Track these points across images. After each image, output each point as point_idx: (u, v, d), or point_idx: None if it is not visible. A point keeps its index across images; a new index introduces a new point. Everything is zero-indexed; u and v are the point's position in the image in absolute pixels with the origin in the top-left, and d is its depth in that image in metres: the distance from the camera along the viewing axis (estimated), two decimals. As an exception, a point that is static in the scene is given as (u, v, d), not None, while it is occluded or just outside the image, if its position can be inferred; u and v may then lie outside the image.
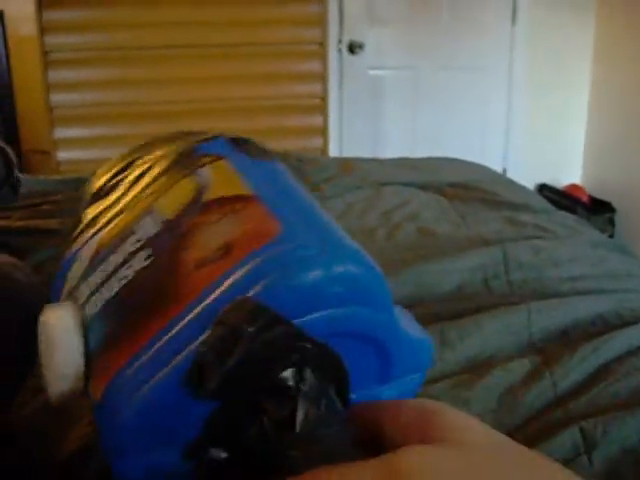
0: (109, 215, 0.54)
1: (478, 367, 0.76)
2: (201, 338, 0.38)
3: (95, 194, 0.58)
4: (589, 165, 3.77)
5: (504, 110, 3.64)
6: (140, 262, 0.48)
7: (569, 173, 3.80)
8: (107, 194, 0.57)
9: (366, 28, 3.36)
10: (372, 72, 3.42)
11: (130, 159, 0.59)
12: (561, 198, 3.47)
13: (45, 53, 2.85)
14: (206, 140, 0.56)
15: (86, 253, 0.51)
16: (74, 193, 1.47)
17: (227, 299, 0.39)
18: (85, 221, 0.56)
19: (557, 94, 3.66)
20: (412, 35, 3.43)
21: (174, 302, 0.43)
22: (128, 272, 0.48)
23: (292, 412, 0.37)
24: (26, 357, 0.59)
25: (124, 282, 0.47)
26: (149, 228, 0.50)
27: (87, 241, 0.53)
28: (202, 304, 0.40)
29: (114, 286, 0.47)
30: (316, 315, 0.39)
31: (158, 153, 0.58)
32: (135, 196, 0.54)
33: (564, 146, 3.77)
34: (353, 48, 3.33)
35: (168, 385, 0.39)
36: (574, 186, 3.72)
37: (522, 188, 1.61)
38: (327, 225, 0.44)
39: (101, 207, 0.56)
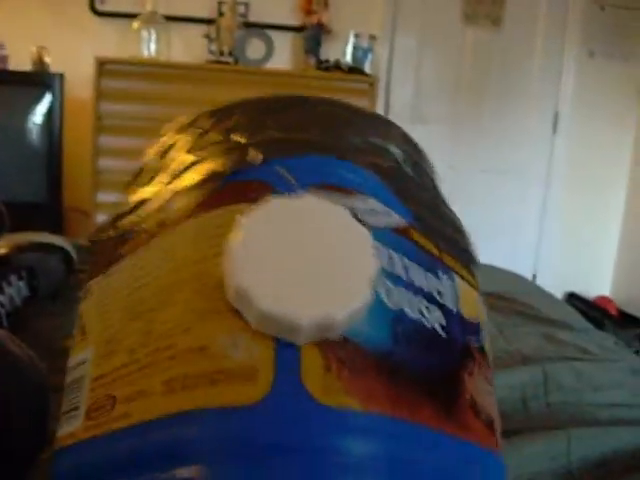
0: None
1: (515, 492, 0.74)
2: None
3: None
4: (620, 277, 3.75)
5: (538, 216, 3.66)
6: (437, 323, 0.44)
7: (599, 284, 3.78)
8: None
9: (409, 125, 3.42)
10: (412, 167, 3.47)
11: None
12: (589, 309, 3.44)
13: (98, 118, 2.95)
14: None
15: None
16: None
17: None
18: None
19: (592, 204, 3.69)
20: (453, 136, 3.51)
21: (449, 416, 0.39)
22: (426, 314, 0.43)
23: None
24: (34, 434, 0.59)
25: (424, 322, 0.43)
26: (448, 294, 0.46)
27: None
28: (474, 454, 0.41)
29: (414, 307, 0.43)
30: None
31: None
32: None
33: (596, 256, 3.77)
34: (396, 142, 3.40)
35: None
36: (603, 298, 3.70)
37: (557, 302, 1.61)
38: None
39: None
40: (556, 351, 1.10)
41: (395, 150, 0.54)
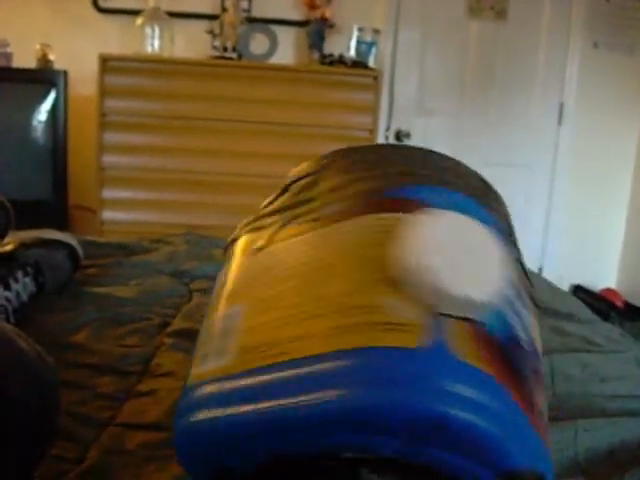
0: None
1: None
2: None
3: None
4: (626, 269, 3.74)
5: (544, 208, 3.65)
6: (522, 335, 0.56)
7: (605, 276, 3.78)
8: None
9: (414, 118, 3.44)
10: (417, 161, 3.47)
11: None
12: (595, 301, 3.44)
13: (103, 115, 2.95)
14: None
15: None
16: (123, 258, 1.50)
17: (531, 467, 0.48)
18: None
19: (598, 196, 3.68)
20: (458, 129, 3.50)
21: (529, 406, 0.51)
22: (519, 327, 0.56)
23: None
24: (43, 428, 0.59)
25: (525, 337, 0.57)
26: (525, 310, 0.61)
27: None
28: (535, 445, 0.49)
29: (518, 324, 0.56)
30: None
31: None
32: None
33: (602, 248, 3.76)
34: (400, 136, 3.40)
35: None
36: (609, 290, 3.69)
37: (564, 294, 1.60)
38: None
39: None
40: (563, 343, 1.10)
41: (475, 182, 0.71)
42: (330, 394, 0.44)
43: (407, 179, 0.64)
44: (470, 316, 0.49)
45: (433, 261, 0.50)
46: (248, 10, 3.33)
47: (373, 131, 3.05)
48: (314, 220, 0.63)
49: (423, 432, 0.44)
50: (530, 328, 0.57)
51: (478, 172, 0.75)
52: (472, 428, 0.44)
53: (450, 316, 0.49)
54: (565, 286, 3.60)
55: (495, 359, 0.48)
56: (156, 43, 3.12)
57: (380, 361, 0.45)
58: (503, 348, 0.50)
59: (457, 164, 0.73)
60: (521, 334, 0.54)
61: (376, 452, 0.45)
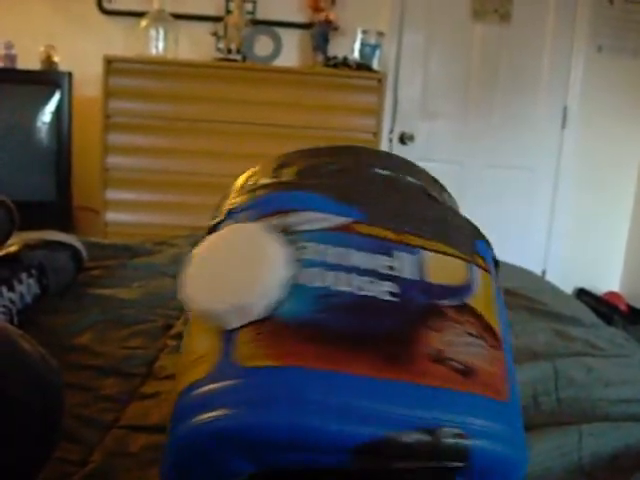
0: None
1: (526, 488, 0.74)
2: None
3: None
4: (629, 273, 3.74)
5: (547, 211, 3.65)
6: (383, 292, 0.52)
7: (608, 280, 3.77)
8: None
9: (418, 121, 3.44)
10: (421, 164, 3.46)
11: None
12: (599, 305, 3.43)
13: (107, 116, 2.95)
14: (483, 241, 0.62)
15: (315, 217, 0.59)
16: (127, 260, 1.50)
17: (439, 421, 0.45)
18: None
19: (602, 199, 3.67)
20: (462, 132, 3.50)
21: (393, 364, 0.47)
22: (366, 287, 0.52)
23: None
24: (48, 431, 0.59)
25: (357, 292, 0.51)
26: (406, 267, 0.55)
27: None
28: (424, 395, 0.45)
29: (343, 282, 0.52)
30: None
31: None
32: (393, 215, 0.60)
33: (605, 252, 3.75)
34: (404, 139, 3.40)
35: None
36: (613, 293, 3.69)
37: (567, 297, 1.60)
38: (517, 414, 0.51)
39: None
40: (566, 347, 1.10)
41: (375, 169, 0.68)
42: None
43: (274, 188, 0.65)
44: (250, 319, 0.49)
45: (205, 283, 0.52)
46: (252, 12, 3.33)
47: (377, 134, 3.05)
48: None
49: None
50: (405, 266, 0.55)
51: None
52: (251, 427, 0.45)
53: (234, 329, 0.50)
54: (568, 289, 3.59)
55: (290, 344, 0.48)
56: (160, 45, 3.12)
57: (186, 396, 0.49)
58: (306, 324, 0.49)
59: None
60: (346, 285, 0.52)
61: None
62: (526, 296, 1.42)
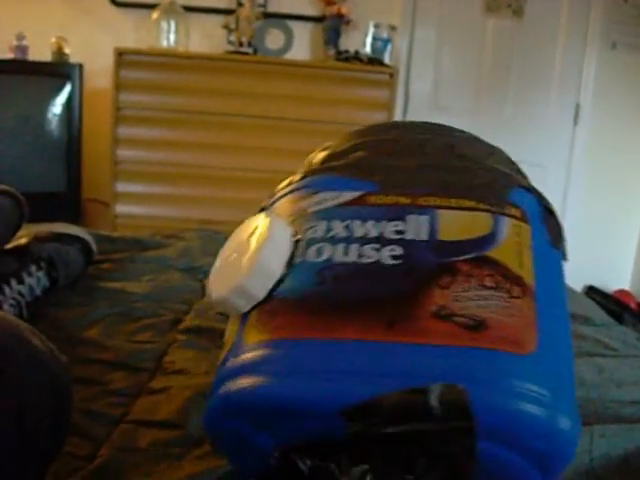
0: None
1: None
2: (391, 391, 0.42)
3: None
4: (640, 271, 3.72)
5: (558, 208, 3.59)
6: (386, 256, 0.52)
7: (619, 277, 3.75)
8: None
9: (429, 116, 3.42)
10: (431, 158, 3.46)
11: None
12: (609, 302, 3.41)
13: (117, 108, 2.95)
14: (522, 189, 0.59)
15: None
16: (137, 253, 1.50)
17: (443, 374, 0.43)
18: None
19: (613, 197, 3.65)
20: (473, 127, 3.46)
21: (392, 327, 0.46)
22: (369, 254, 0.52)
23: None
24: (56, 426, 0.59)
25: (358, 260, 0.52)
26: (416, 229, 0.54)
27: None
28: (421, 355, 0.44)
29: (346, 253, 0.52)
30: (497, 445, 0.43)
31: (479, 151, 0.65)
32: (413, 179, 0.59)
33: (616, 250, 3.73)
34: (415, 134, 3.39)
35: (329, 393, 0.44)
36: (623, 291, 3.67)
37: (578, 295, 1.59)
38: (568, 368, 0.48)
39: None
40: (577, 346, 1.09)
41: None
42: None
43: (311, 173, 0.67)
44: (255, 300, 0.52)
45: (220, 274, 0.56)
46: (264, 5, 3.32)
47: (388, 128, 3.03)
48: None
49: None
50: (414, 228, 0.54)
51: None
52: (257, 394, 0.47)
53: (247, 312, 0.52)
54: (578, 286, 3.57)
55: (282, 318, 0.50)
56: (171, 37, 3.12)
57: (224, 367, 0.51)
58: (306, 298, 0.50)
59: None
60: (350, 255, 0.53)
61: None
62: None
